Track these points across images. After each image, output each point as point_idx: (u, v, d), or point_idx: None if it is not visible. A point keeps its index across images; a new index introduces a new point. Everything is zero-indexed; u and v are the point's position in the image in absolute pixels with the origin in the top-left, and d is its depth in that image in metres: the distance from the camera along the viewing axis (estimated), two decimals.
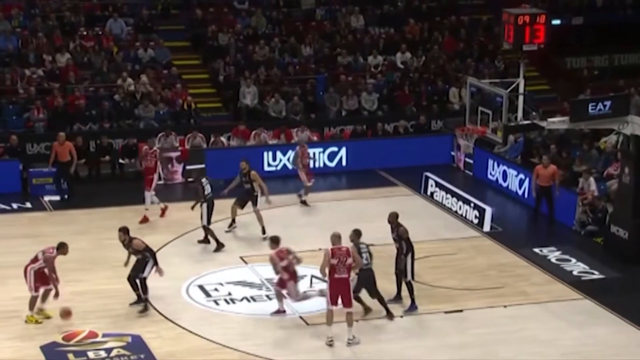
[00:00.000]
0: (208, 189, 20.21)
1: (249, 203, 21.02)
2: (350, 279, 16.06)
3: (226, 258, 19.74)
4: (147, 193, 21.99)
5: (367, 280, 16.85)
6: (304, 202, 23.27)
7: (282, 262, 16.78)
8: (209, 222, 20.16)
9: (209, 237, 20.28)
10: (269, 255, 17.03)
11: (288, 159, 24.73)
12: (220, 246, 20.13)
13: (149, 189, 21.95)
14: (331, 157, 26.13)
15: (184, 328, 16.63)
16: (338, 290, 15.89)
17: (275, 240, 17.11)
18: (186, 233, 21.16)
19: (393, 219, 17.74)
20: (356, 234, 16.80)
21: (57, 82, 27.40)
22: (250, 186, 20.89)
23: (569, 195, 22.04)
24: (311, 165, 23.86)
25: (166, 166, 24.91)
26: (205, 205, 20.09)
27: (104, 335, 16.35)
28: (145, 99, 27.17)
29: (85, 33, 29.32)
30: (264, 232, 20.71)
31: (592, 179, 22.14)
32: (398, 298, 17.56)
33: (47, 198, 23.61)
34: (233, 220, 21.20)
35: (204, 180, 20.32)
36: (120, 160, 25.47)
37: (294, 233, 21.08)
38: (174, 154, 25.30)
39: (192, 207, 20.55)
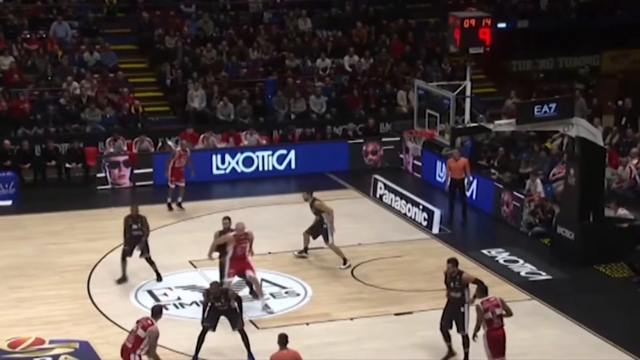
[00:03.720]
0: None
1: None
2: None
3: (175, 262, 19.59)
4: None
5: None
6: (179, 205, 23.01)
7: None
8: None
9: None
10: None
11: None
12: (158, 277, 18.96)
13: None
14: (280, 160, 26.08)
15: None
16: None
17: None
18: None
19: (217, 289, 15.57)
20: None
21: (1, 86, 26.99)
22: (319, 217, 19.82)
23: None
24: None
25: (114, 170, 24.75)
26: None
27: (50, 342, 16.14)
28: (91, 103, 26.89)
29: (28, 36, 28.96)
30: (344, 263, 19.58)
31: (538, 181, 22.36)
32: None
33: None
34: (305, 249, 20.06)
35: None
36: (67, 165, 25.19)
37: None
38: (121, 158, 25.09)
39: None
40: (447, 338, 15.81)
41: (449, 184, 22.57)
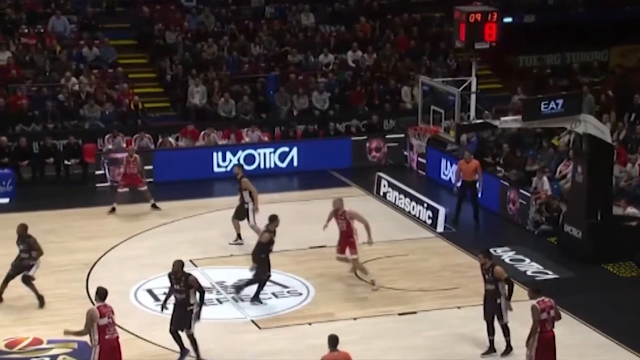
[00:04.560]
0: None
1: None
2: None
3: None
4: None
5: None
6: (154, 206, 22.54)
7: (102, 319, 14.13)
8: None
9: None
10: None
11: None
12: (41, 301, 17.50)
13: None
14: (282, 157, 25.79)
15: (132, 333, 16.26)
16: None
17: None
18: (134, 236, 20.80)
19: (178, 267, 15.19)
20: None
21: None
22: (241, 195, 20.03)
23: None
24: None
25: (114, 168, 24.41)
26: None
27: (49, 342, 15.97)
28: (90, 99, 26.62)
29: (26, 31, 28.76)
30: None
31: (545, 179, 22.07)
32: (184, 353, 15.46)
33: None
34: (238, 236, 20.21)
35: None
36: (66, 162, 24.90)
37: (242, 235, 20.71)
38: (121, 155, 24.77)
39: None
40: (491, 332, 15.78)
41: (459, 185, 22.10)
